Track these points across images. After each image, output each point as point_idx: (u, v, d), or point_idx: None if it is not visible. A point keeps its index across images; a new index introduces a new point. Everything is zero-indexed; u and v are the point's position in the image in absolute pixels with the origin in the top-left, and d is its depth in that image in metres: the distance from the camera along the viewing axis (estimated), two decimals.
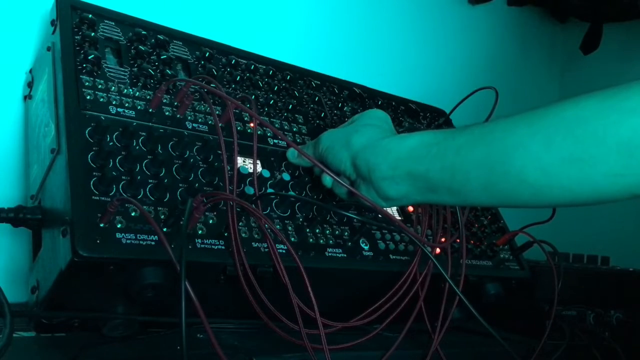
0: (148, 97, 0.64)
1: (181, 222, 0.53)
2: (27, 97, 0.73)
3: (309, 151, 0.69)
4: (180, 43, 0.73)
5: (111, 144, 0.58)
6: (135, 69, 0.66)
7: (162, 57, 0.69)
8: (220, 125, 0.62)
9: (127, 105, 0.62)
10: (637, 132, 0.48)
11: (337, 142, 0.66)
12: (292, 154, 0.71)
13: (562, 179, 0.52)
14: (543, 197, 0.55)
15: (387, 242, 0.72)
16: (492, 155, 0.55)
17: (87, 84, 0.61)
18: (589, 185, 0.51)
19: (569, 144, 0.51)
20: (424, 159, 0.59)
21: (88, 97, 0.60)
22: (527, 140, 0.53)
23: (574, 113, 0.51)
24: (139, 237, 0.53)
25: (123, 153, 0.57)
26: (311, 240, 0.65)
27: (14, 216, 0.58)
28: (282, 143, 0.72)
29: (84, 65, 0.62)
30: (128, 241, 0.52)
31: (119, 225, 0.52)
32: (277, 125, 0.75)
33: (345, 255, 0.67)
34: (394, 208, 0.78)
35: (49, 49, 0.65)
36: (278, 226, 0.63)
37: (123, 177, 0.56)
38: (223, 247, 0.57)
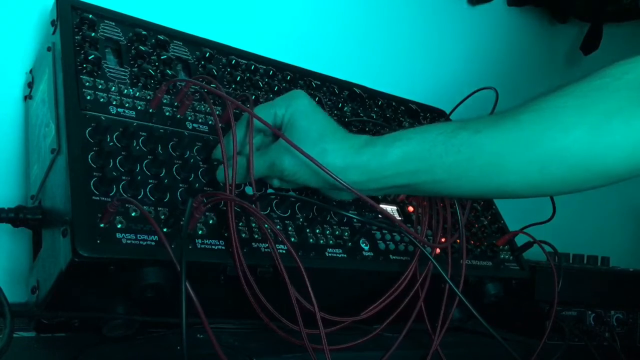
0: (148, 97, 0.64)
1: (181, 222, 0.53)
2: (28, 97, 0.73)
3: (260, 169, 0.62)
4: (181, 43, 0.73)
5: (111, 144, 0.58)
6: (136, 69, 0.66)
7: (162, 57, 0.69)
8: (220, 125, 0.62)
9: (127, 105, 0.62)
10: None
11: (306, 167, 0.59)
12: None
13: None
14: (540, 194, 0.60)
15: (387, 243, 0.72)
16: (485, 177, 0.57)
17: (87, 84, 0.61)
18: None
19: (563, 172, 0.55)
20: (412, 175, 0.59)
21: (88, 97, 0.60)
22: (524, 168, 0.56)
23: (562, 142, 0.55)
24: (139, 237, 0.53)
25: (123, 153, 0.57)
26: (311, 240, 0.65)
27: (14, 216, 0.58)
28: None
29: (84, 65, 0.62)
30: (128, 241, 0.52)
31: (119, 226, 0.52)
32: None
33: (345, 255, 0.67)
34: (394, 208, 0.78)
35: (49, 49, 0.65)
36: (278, 226, 0.63)
37: (123, 178, 0.56)
38: (223, 247, 0.57)
